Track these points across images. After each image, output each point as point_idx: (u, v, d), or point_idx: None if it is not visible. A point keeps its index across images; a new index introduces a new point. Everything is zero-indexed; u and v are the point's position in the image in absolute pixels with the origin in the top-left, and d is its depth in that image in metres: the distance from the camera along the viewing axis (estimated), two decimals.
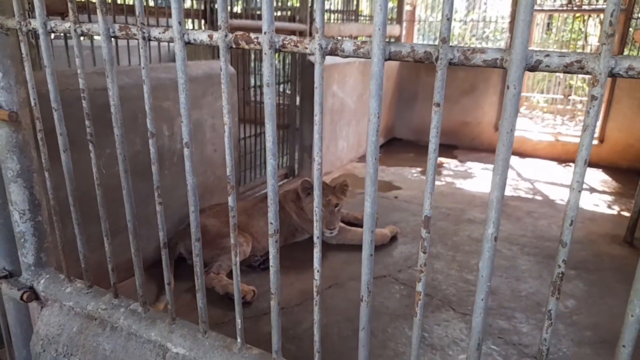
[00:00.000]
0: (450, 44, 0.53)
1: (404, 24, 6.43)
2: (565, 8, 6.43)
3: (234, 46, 0.67)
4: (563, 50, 0.48)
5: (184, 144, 0.75)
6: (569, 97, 7.23)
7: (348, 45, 0.59)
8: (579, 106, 7.04)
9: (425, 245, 0.64)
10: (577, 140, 5.76)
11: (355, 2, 5.47)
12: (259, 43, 0.64)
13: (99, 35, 0.78)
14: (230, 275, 2.88)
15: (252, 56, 4.88)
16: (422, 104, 6.32)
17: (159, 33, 0.73)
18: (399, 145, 6.41)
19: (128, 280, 2.56)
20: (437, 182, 4.92)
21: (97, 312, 0.95)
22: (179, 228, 3.08)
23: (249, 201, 3.49)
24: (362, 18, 5.59)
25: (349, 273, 3.00)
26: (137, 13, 0.72)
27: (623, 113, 5.39)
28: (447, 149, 6.17)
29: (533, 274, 3.05)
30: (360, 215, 3.79)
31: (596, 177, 5.17)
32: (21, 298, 1.01)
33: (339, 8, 5.35)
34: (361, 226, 3.67)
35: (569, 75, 7.45)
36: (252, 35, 0.65)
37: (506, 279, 2.99)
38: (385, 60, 0.58)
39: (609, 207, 4.33)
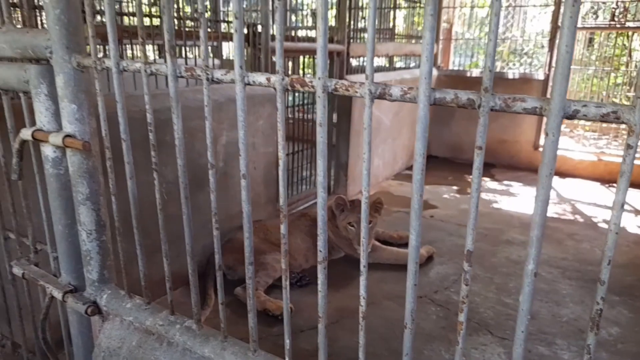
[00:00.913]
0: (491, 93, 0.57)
1: (441, 42, 6.44)
2: (608, 25, 6.30)
3: (289, 89, 0.74)
4: (599, 102, 0.52)
5: (242, 175, 0.81)
6: None
7: (396, 91, 0.64)
8: (624, 125, 6.84)
9: (467, 278, 0.68)
10: (620, 160, 5.58)
11: (391, 20, 5.52)
12: (312, 86, 0.70)
13: (165, 75, 0.86)
14: (267, 291, 2.94)
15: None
16: (458, 121, 6.29)
17: (221, 75, 0.80)
18: (435, 162, 6.38)
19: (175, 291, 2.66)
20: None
21: (155, 327, 1.02)
22: (221, 243, 3.18)
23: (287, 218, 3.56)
24: (397, 37, 5.64)
25: (384, 292, 3.01)
26: (202, 57, 0.79)
27: None
28: (485, 167, 6.06)
29: (575, 299, 2.98)
30: (395, 234, 3.80)
31: None
32: (85, 312, 1.10)
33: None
34: (396, 245, 3.68)
35: (612, 94, 7.25)
36: (307, 79, 0.71)
37: (546, 303, 2.93)
38: (430, 105, 0.63)
39: None
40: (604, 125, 7.14)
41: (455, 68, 6.78)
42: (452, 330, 2.61)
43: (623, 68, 7.47)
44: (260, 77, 0.76)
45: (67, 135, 1.01)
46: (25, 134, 1.07)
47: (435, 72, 6.40)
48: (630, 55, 8.10)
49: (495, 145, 6.13)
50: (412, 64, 6.03)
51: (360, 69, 4.86)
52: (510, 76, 6.12)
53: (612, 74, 7.33)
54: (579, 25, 6.37)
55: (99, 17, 3.52)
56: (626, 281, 3.22)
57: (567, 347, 2.50)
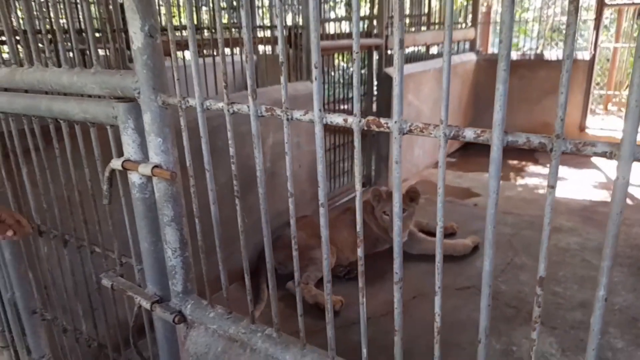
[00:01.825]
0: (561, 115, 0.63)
1: (479, 26, 6.33)
2: None
3: (365, 129, 0.81)
4: None
5: (320, 204, 0.90)
6: None
7: (469, 134, 0.70)
8: None
9: (539, 301, 0.74)
10: None
11: (427, 7, 5.46)
12: (388, 128, 0.78)
13: (247, 113, 0.95)
14: (317, 285, 3.06)
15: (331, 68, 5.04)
16: None
17: (300, 115, 0.88)
18: (476, 149, 6.31)
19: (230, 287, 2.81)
20: (518, 188, 4.83)
21: (238, 335, 1.13)
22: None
23: (332, 213, 3.66)
24: (433, 24, 5.58)
25: (432, 283, 3.05)
26: (282, 100, 0.88)
27: None
28: (527, 151, 6.00)
29: (627, 287, 2.96)
30: None
31: None
32: (173, 320, 1.22)
33: (408, 12, 5.37)
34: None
35: None
36: (383, 121, 0.78)
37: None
38: (503, 147, 0.69)
39: None
40: None
41: (495, 51, 6.65)
42: (502, 321, 2.66)
43: None
44: (338, 118, 0.83)
45: (155, 166, 1.12)
46: (116, 164, 1.19)
47: (474, 56, 6.31)
48: None
49: (539, 129, 6.01)
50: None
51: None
52: (554, 57, 5.97)
53: None
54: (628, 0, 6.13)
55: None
56: None
57: (621, 336, 2.50)
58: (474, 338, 2.55)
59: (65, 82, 1.29)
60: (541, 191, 4.70)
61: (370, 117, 0.80)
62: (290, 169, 0.93)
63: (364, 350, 0.99)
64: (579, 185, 4.82)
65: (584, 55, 5.78)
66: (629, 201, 4.37)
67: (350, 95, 4.84)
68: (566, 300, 2.83)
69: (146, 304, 1.28)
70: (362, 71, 4.75)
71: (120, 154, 1.29)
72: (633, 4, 6.23)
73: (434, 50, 6.09)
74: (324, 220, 0.94)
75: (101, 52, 3.05)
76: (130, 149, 1.19)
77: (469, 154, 6.09)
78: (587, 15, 7.19)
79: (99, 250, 1.53)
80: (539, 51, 6.17)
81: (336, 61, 5.28)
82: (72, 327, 1.82)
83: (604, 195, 4.53)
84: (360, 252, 0.92)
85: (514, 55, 6.22)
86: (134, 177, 1.21)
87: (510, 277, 3.10)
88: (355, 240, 3.41)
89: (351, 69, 4.63)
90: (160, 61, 1.10)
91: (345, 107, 4.94)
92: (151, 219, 1.25)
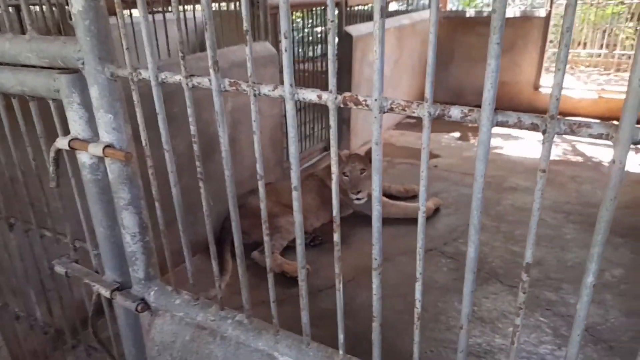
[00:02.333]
0: (557, 118, 0.58)
1: None
2: None
3: (341, 106, 0.74)
4: None
5: (293, 187, 0.83)
6: (614, 52, 6.92)
7: (455, 112, 0.65)
8: (624, 59, 6.76)
9: (525, 287, 0.72)
10: (622, 96, 5.58)
11: None
12: (367, 105, 0.71)
13: (209, 88, 0.86)
14: (282, 253, 3.03)
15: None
16: (458, 64, 6.18)
17: (269, 90, 0.80)
18: None
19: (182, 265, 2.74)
20: (474, 148, 4.91)
21: (207, 322, 1.08)
22: None
23: None
24: None
25: (398, 247, 3.10)
26: (249, 73, 0.79)
27: None
28: None
29: (579, 243, 3.09)
30: (402, 188, 3.86)
31: None
32: (136, 309, 1.15)
33: None
34: (404, 199, 3.76)
35: (615, 27, 7.11)
36: (361, 98, 0.71)
37: (552, 248, 3.04)
38: (492, 127, 0.65)
39: None
40: (604, 57, 7.07)
41: (454, 8, 6.59)
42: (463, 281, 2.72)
43: None
44: (311, 95, 0.76)
45: (107, 146, 1.01)
46: (62, 143, 1.07)
47: None
48: None
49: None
50: (404, 7, 5.86)
51: (359, 17, 4.72)
52: (511, 14, 5.97)
53: (612, 3, 7.16)
54: None
55: None
56: (629, 222, 3.32)
57: (574, 292, 2.62)
58: (437, 300, 2.62)
59: None
60: (497, 151, 4.79)
61: (347, 94, 0.73)
62: (259, 150, 0.85)
63: (341, 337, 0.95)
64: (534, 143, 4.95)
65: (539, 12, 5.82)
66: (580, 159, 4.53)
67: (310, 54, 4.71)
68: (523, 259, 2.93)
69: (105, 292, 1.19)
70: (319, 29, 4.60)
71: (66, 131, 1.17)
72: None
73: (393, 6, 5.97)
74: (297, 205, 0.88)
75: (36, 8, 2.77)
76: (77, 126, 1.07)
77: None
78: None
79: (49, 234, 1.41)
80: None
81: (297, 19, 5.09)
82: (25, 313, 1.71)
83: (557, 153, 4.67)
84: (336, 237, 0.86)
85: (472, 12, 6.19)
86: (84, 157, 1.10)
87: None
88: (319, 206, 3.38)
89: (309, 28, 4.47)
90: (106, 26, 0.98)
91: (304, 66, 4.79)
92: (106, 202, 1.15)
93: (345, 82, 4.50)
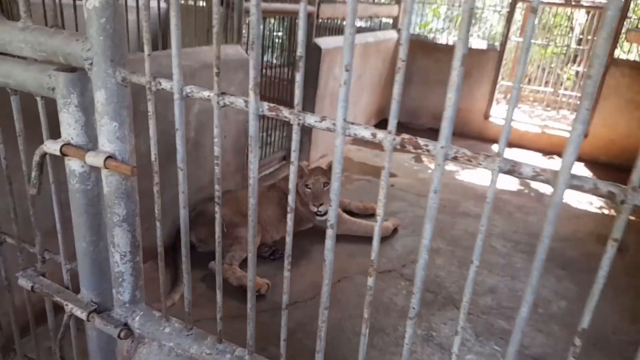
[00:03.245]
0: None
1: (402, 3, 6.37)
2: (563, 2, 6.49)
3: (398, 147, 0.70)
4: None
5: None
6: (559, 91, 7.38)
7: (527, 170, 0.63)
8: (565, 99, 7.22)
9: (576, 352, 0.71)
10: (563, 133, 5.95)
11: None
12: (428, 150, 0.68)
13: (242, 108, 0.79)
14: (242, 266, 2.93)
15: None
16: (416, 86, 6.34)
17: (315, 121, 0.75)
18: None
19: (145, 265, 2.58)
20: (428, 170, 5.03)
21: (202, 356, 0.99)
22: (190, 215, 3.08)
23: (259, 188, 3.50)
24: None
25: (357, 266, 3.09)
26: (296, 102, 0.73)
27: (609, 110, 5.58)
28: (436, 133, 6.24)
29: (527, 273, 3.22)
30: (362, 205, 3.87)
31: (579, 171, 5.38)
32: (118, 335, 1.04)
33: None
34: (362, 216, 3.76)
35: (557, 67, 7.59)
36: (422, 142, 0.68)
37: (503, 277, 3.15)
38: (564, 190, 0.63)
39: (592, 203, 4.55)
40: (547, 94, 7.51)
41: (416, 29, 6.77)
42: (423, 306, 2.76)
43: (562, 41, 7.81)
44: (364, 132, 0.71)
45: (109, 156, 0.91)
46: (51, 147, 0.95)
47: (395, 34, 6.36)
48: (572, 28, 8.44)
49: None
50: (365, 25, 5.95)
51: (329, 30, 4.72)
52: (474, 45, 6.21)
53: (551, 44, 7.63)
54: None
55: None
56: (570, 255, 3.51)
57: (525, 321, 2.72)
58: (397, 323, 2.63)
59: None
60: (450, 175, 4.94)
61: (407, 137, 0.70)
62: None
63: None
64: (483, 171, 5.15)
65: (495, 46, 6.10)
66: (525, 190, 4.76)
67: (276, 62, 4.66)
68: (478, 286, 3.02)
69: (82, 314, 1.07)
70: (282, 37, 4.56)
71: (52, 132, 1.05)
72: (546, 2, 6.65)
73: (359, 22, 6.03)
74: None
75: None
76: (71, 130, 0.96)
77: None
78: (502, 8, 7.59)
79: (12, 241, 1.26)
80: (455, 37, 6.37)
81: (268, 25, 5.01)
82: None
83: (504, 183, 4.89)
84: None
85: (441, 39, 6.38)
86: (74, 165, 0.99)
87: (427, 262, 3.22)
88: (280, 219, 3.31)
89: (278, 34, 4.41)
90: (122, 27, 0.88)
91: (269, 72, 4.71)
92: (92, 215, 1.04)
93: (310, 93, 4.47)
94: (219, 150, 0.84)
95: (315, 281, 2.87)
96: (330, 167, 3.43)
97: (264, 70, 4.59)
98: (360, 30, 5.72)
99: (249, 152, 0.80)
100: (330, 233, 0.79)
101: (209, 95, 0.81)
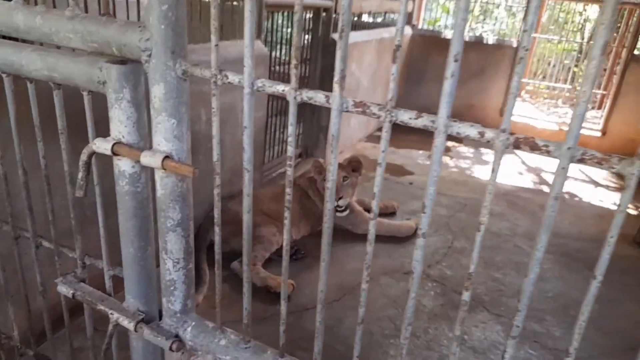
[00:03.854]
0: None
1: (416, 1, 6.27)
2: None
3: (511, 148, 0.63)
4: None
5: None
6: (575, 86, 7.26)
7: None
8: None
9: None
10: (581, 131, 5.84)
11: None
12: (548, 152, 0.60)
13: (324, 105, 0.72)
14: (264, 265, 2.85)
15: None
16: (430, 83, 6.25)
17: (409, 118, 0.67)
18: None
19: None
20: (448, 168, 4.95)
21: None
22: (209, 215, 3.01)
23: (278, 186, 3.44)
24: None
25: (380, 267, 3.02)
26: (389, 101, 0.66)
27: (629, 107, 5.47)
28: None
29: (555, 274, 3.15)
30: (381, 203, 3.79)
31: (597, 171, 5.29)
32: (170, 347, 0.97)
33: None
34: (382, 215, 3.68)
35: (572, 64, 7.48)
36: (540, 143, 0.60)
37: None
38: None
39: (616, 203, 4.46)
40: (563, 91, 7.40)
41: (425, 26, 6.67)
42: (452, 308, 2.68)
43: (576, 37, 7.69)
44: (470, 130, 0.64)
45: (166, 156, 0.84)
46: (102, 146, 0.88)
47: (409, 30, 6.27)
48: (584, 23, 8.32)
49: (463, 110, 6.19)
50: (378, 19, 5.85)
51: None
52: (488, 42, 6.11)
53: (563, 39, 7.51)
54: None
55: None
56: (597, 255, 3.41)
57: (557, 324, 2.64)
58: (428, 326, 2.56)
59: (21, 24, 0.93)
60: (469, 172, 4.86)
61: (521, 136, 0.62)
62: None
63: None
64: (501, 169, 5.06)
65: (512, 42, 6.00)
66: (546, 189, 4.67)
67: (285, 58, 4.56)
68: (507, 287, 2.94)
69: (128, 324, 1.00)
70: (306, 36, 4.46)
71: (100, 129, 0.97)
72: None
73: (376, 17, 5.94)
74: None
75: None
76: (122, 128, 0.89)
77: (397, 129, 6.04)
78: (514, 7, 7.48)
79: (49, 245, 1.19)
80: (471, 33, 6.27)
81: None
82: None
83: (524, 181, 4.80)
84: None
85: (449, 34, 6.27)
86: (124, 165, 0.91)
87: (453, 262, 3.15)
88: (300, 218, 3.23)
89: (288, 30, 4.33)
90: (184, 15, 0.81)
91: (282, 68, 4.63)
92: (141, 218, 0.96)
93: (328, 84, 4.39)
94: (292, 150, 0.76)
95: (339, 282, 2.80)
96: (349, 162, 3.36)
97: (273, 67, 4.50)
98: (375, 26, 5.63)
99: (330, 152, 0.73)
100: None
101: (283, 90, 0.73)
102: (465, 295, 0.73)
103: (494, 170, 0.63)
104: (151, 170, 0.92)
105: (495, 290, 2.90)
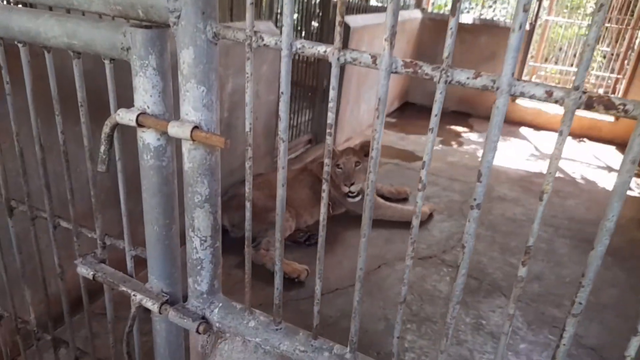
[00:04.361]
0: None
1: None
2: None
3: (582, 108, 0.57)
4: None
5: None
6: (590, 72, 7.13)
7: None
8: (592, 80, 6.99)
9: None
10: (593, 116, 5.76)
11: None
12: (625, 111, 0.54)
13: (368, 66, 0.66)
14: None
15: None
16: None
17: (468, 78, 0.61)
18: (413, 110, 6.30)
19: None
20: (459, 154, 4.88)
21: (295, 353, 0.87)
22: (222, 199, 2.97)
23: (291, 171, 3.38)
24: None
25: (395, 252, 2.97)
26: (445, 59, 0.60)
27: None
28: (461, 116, 6.09)
29: (573, 259, 3.09)
30: (394, 189, 3.74)
31: (611, 155, 5.21)
32: (197, 330, 0.92)
33: None
34: (395, 200, 3.63)
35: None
36: (616, 101, 0.55)
37: (548, 263, 3.02)
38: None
39: (631, 189, 4.38)
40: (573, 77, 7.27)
41: (435, 10, 6.55)
42: (468, 293, 2.64)
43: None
44: (536, 89, 0.58)
45: (195, 127, 0.79)
46: (126, 117, 0.83)
47: (419, 14, 6.16)
48: None
49: (473, 95, 6.10)
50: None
51: (355, 9, 4.55)
52: (501, 24, 6.01)
53: (576, 24, 7.36)
54: None
55: None
56: (614, 242, 3.34)
57: None
58: (445, 311, 2.51)
59: None
60: (480, 159, 4.78)
61: (595, 94, 0.56)
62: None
63: None
64: (513, 154, 4.99)
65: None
66: (559, 173, 4.60)
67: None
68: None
69: (153, 306, 0.96)
70: (314, 23, 4.38)
71: (123, 100, 0.92)
72: None
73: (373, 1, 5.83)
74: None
75: None
76: (147, 98, 0.84)
77: (406, 115, 6.04)
78: None
79: (67, 225, 1.15)
80: (482, 16, 6.15)
81: None
82: (9, 313, 1.42)
83: (537, 166, 4.73)
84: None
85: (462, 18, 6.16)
86: (149, 137, 0.86)
87: None
88: (314, 203, 3.19)
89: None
90: None
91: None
92: (166, 195, 0.92)
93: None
94: (332, 116, 0.71)
95: (353, 268, 2.73)
96: (362, 146, 3.30)
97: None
98: (384, 9, 5.52)
99: (376, 119, 0.67)
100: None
101: (325, 51, 0.68)
102: (522, 271, 0.68)
103: (562, 133, 0.58)
104: (177, 143, 0.87)
105: (512, 275, 2.85)
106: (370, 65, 0.66)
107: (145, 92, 0.83)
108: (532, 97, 0.59)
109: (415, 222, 0.72)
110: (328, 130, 0.72)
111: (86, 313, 1.26)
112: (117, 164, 0.98)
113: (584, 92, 0.56)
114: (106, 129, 0.87)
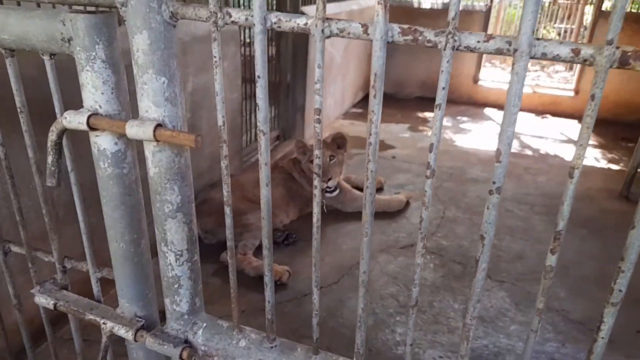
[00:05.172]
0: None
1: None
2: None
3: (615, 66, 0.49)
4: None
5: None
6: None
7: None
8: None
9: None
10: (553, 92, 5.86)
11: None
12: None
13: (358, 37, 0.56)
14: (255, 254, 2.70)
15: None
16: (402, 55, 6.12)
17: (477, 42, 0.53)
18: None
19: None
20: (428, 140, 4.86)
21: None
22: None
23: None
24: None
25: (377, 244, 2.91)
26: (451, 20, 0.51)
27: None
28: (426, 101, 6.08)
29: (551, 235, 3.09)
30: None
31: (574, 129, 5.30)
32: (180, 356, 0.81)
33: None
34: None
35: (545, 27, 7.48)
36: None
37: (527, 241, 3.01)
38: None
39: (596, 160, 4.47)
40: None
41: None
42: (454, 279, 2.60)
43: None
44: (561, 48, 0.50)
45: (158, 125, 0.67)
46: (74, 120, 0.70)
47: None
48: None
49: (436, 79, 6.07)
50: None
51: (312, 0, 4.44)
52: (471, 9, 6.00)
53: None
54: None
55: None
56: (586, 213, 3.40)
57: (560, 285, 2.59)
58: (432, 299, 2.46)
59: None
60: (450, 142, 4.78)
61: (629, 48, 0.48)
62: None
63: None
64: (482, 135, 5.01)
65: (480, 7, 5.91)
66: (528, 151, 4.64)
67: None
68: (504, 252, 2.87)
69: (126, 333, 0.84)
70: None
71: (72, 101, 0.80)
72: None
73: None
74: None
75: None
76: (98, 96, 0.71)
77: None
78: None
79: (19, 250, 1.01)
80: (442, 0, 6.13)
81: None
82: None
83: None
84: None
85: (416, 3, 6.14)
86: (104, 142, 0.74)
87: (447, 232, 3.06)
88: (288, 201, 3.08)
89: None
90: None
91: (248, 50, 4.41)
92: (131, 207, 0.80)
93: (300, 64, 4.21)
94: (320, 99, 0.61)
95: (336, 263, 2.67)
96: (334, 139, 3.21)
97: (242, 49, 4.29)
98: None
99: (373, 97, 0.58)
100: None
101: (306, 24, 0.57)
102: (551, 260, 0.60)
103: (594, 97, 0.50)
104: (139, 146, 0.75)
105: (493, 255, 2.83)
106: (361, 36, 0.56)
107: (96, 90, 0.71)
108: (555, 58, 0.50)
109: (425, 215, 0.64)
110: (316, 117, 0.62)
111: (50, 345, 1.12)
112: (70, 175, 0.85)
113: (617, 48, 0.48)
114: (52, 135, 0.74)
